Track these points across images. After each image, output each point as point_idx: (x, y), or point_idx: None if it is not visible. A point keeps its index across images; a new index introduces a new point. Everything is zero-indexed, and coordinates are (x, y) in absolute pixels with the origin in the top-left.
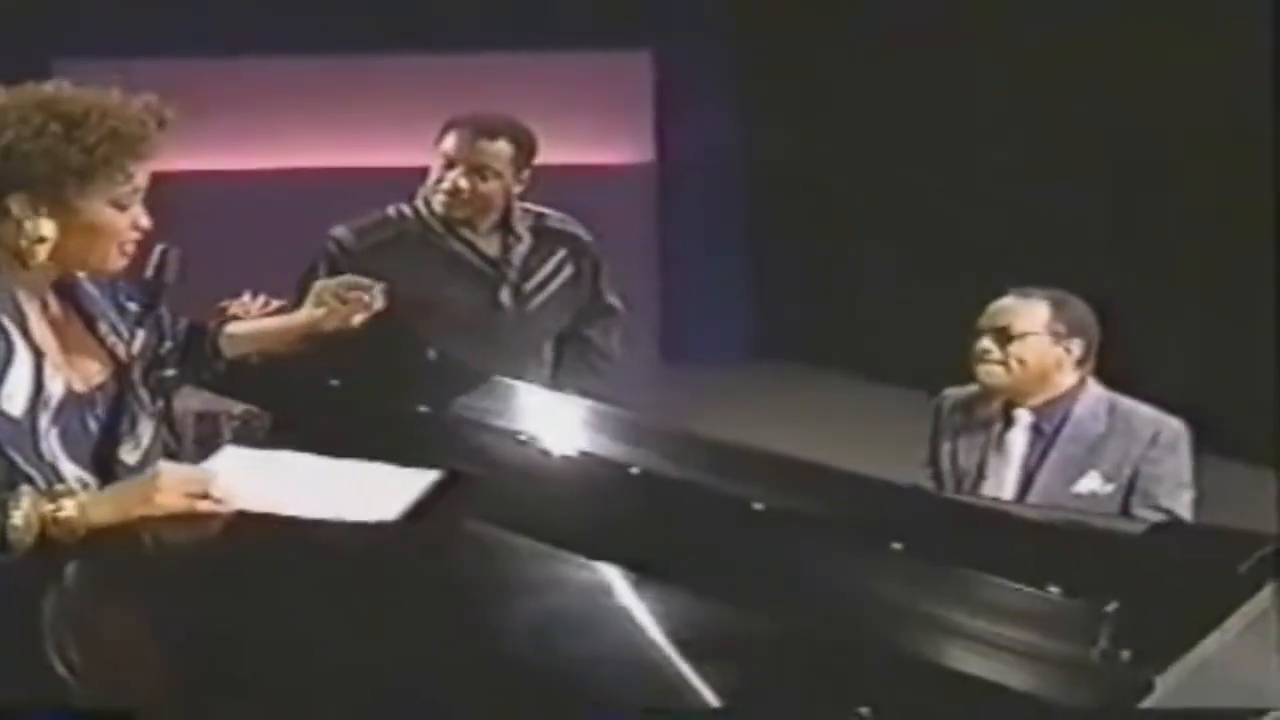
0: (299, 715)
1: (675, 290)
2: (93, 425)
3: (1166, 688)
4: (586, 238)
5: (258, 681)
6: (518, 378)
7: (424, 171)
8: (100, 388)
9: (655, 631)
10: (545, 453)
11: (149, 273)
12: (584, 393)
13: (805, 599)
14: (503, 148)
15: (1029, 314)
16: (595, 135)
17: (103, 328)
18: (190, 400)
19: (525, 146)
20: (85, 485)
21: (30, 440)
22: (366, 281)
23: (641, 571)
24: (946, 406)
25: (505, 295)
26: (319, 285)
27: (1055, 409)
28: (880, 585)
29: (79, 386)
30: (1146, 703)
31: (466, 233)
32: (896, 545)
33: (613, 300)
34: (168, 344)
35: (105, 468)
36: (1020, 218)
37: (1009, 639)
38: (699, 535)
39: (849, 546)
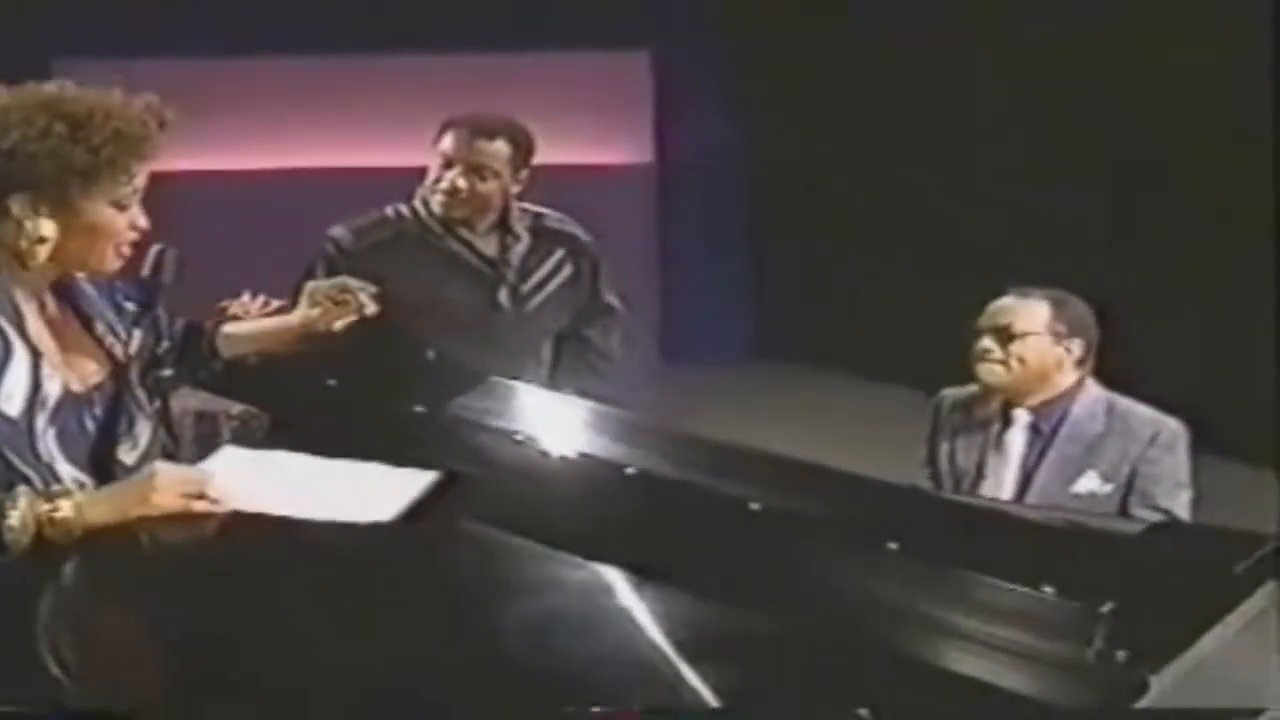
0: (296, 716)
1: (675, 290)
2: (90, 425)
3: (1162, 688)
4: (585, 238)
5: (255, 682)
6: (516, 378)
7: (424, 171)
8: (98, 387)
9: (653, 632)
10: (543, 453)
11: (146, 273)
12: (583, 393)
13: (802, 599)
14: (501, 148)
15: (1030, 313)
16: (595, 135)
17: (100, 328)
18: (189, 400)
19: (523, 146)
20: (82, 485)
21: (27, 440)
22: (358, 284)
23: (639, 572)
24: (945, 406)
25: (503, 295)
26: (311, 286)
27: (1054, 409)
28: (876, 585)
29: (76, 386)
30: (1142, 703)
31: (465, 233)
32: (892, 545)
33: (611, 300)
34: (165, 344)
35: (103, 468)
36: (1020, 218)
37: (1005, 639)
38: (696, 535)
39: (846, 547)
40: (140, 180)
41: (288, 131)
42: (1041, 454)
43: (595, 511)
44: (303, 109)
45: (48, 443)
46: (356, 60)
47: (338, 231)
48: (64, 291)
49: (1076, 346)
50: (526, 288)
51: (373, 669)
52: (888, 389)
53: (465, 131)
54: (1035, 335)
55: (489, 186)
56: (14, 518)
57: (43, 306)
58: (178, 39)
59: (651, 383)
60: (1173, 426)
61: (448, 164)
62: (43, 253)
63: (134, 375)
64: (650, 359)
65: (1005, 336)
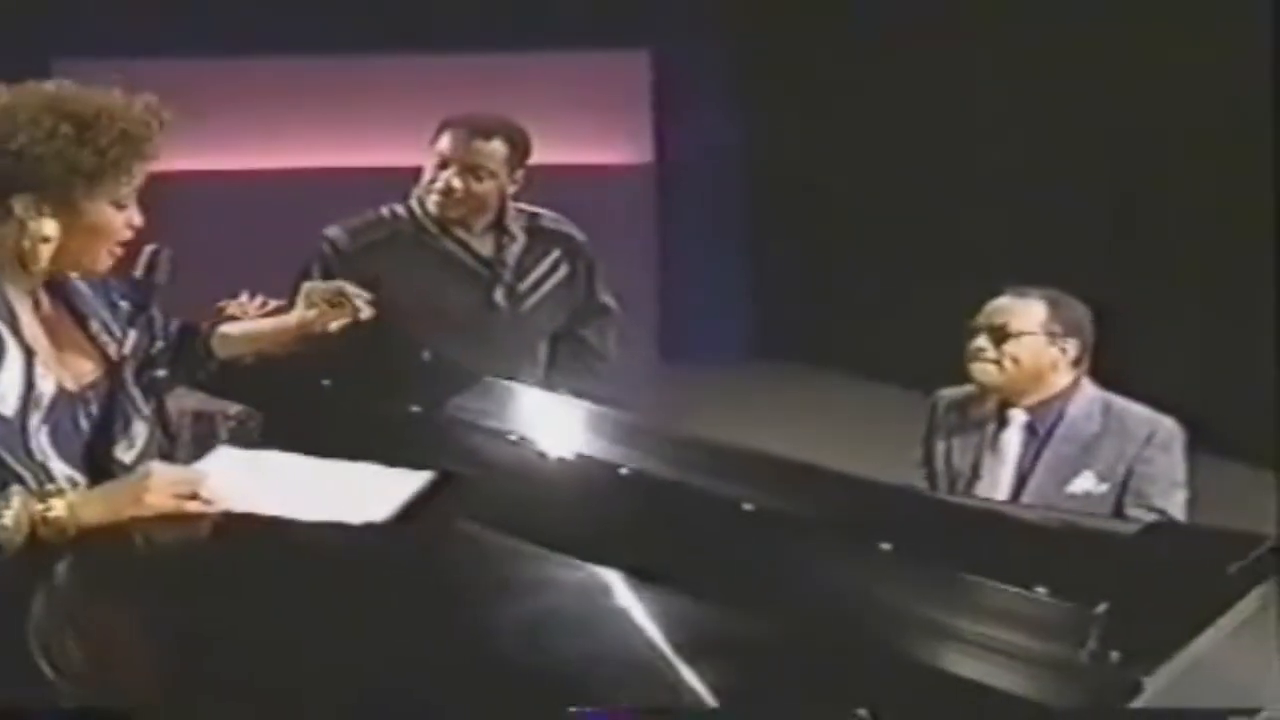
0: (290, 716)
1: (675, 290)
2: (84, 424)
3: (1157, 688)
4: (580, 238)
5: (249, 682)
6: (512, 378)
7: (423, 172)
8: (92, 386)
9: (649, 632)
10: (538, 453)
11: (140, 273)
12: (578, 393)
13: (796, 600)
14: (497, 148)
15: (1025, 313)
16: (594, 135)
17: (94, 326)
18: (186, 400)
19: (519, 146)
20: (75, 484)
21: (20, 439)
22: (354, 289)
23: (634, 572)
24: (941, 406)
25: (499, 295)
26: (308, 287)
27: (1050, 409)
28: (869, 586)
29: (70, 385)
30: (1137, 703)
31: (460, 233)
32: (886, 546)
33: (607, 300)
34: (159, 344)
35: (100, 466)
36: (1020, 218)
37: (998, 640)
38: (691, 536)
39: (839, 547)
40: (139, 179)
41: (286, 131)
42: (1037, 454)
43: (591, 512)
44: (301, 109)
45: (41, 441)
46: (355, 60)
47: (333, 231)
48: (58, 290)
49: (1072, 347)
50: (522, 288)
51: (367, 669)
52: (887, 389)
53: (461, 131)
54: (1030, 335)
55: (485, 186)
56: (7, 517)
57: (37, 305)
58: (177, 39)
59: (651, 383)
60: (1169, 426)
61: (443, 164)
62: (46, 253)
63: (128, 375)
64: (649, 359)
65: (1000, 336)
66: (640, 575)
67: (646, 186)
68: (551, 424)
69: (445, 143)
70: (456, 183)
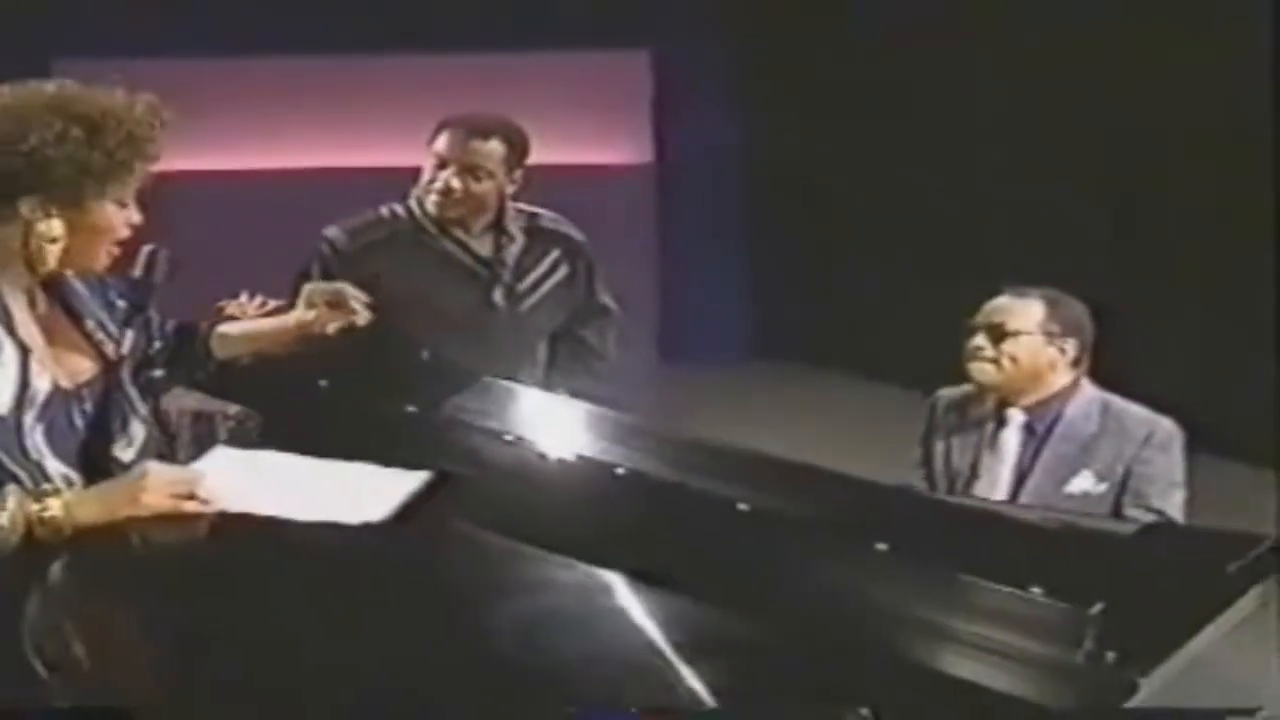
0: (287, 716)
1: (674, 290)
2: (79, 422)
3: (1152, 689)
4: (579, 238)
5: (246, 682)
6: (511, 378)
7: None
8: (88, 385)
9: (648, 632)
10: (537, 454)
11: (138, 273)
12: (578, 393)
13: (794, 600)
14: (495, 148)
15: (1023, 312)
16: (594, 135)
17: (90, 325)
18: (186, 400)
19: (518, 146)
20: (70, 483)
21: (15, 438)
22: (354, 292)
23: (634, 573)
24: (940, 406)
25: (498, 296)
26: (308, 288)
27: (1048, 409)
28: (867, 587)
29: (65, 383)
30: (1134, 702)
31: (459, 233)
32: (882, 547)
33: (606, 300)
34: (156, 344)
35: (98, 465)
36: (1020, 218)
37: (995, 641)
38: (689, 536)
39: (837, 548)
40: (141, 178)
41: (286, 131)
42: (1036, 454)
43: (589, 513)
44: (302, 109)
45: (36, 440)
46: (355, 60)
47: (332, 232)
48: (54, 289)
49: (1071, 346)
50: (521, 288)
51: (363, 670)
52: (887, 389)
53: (460, 131)
54: (1028, 334)
55: (483, 187)
56: (3, 517)
57: (32, 303)
58: (177, 39)
59: (650, 383)
60: (1167, 426)
61: (442, 164)
62: (54, 253)
63: (125, 374)
64: (649, 359)
65: (997, 335)
66: (639, 576)
67: (646, 186)
68: (550, 424)
69: (443, 143)
70: (455, 183)
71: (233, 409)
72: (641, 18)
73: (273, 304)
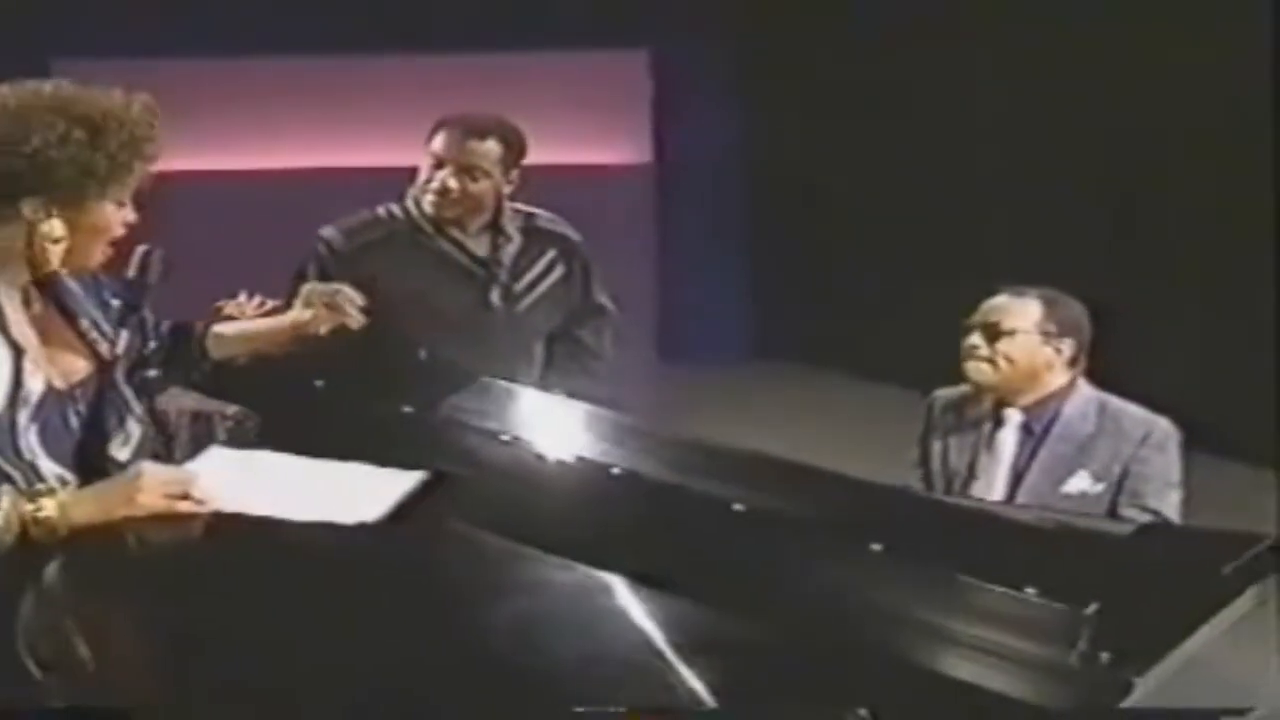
0: (283, 716)
1: (674, 290)
2: (74, 422)
3: (1147, 689)
4: (576, 238)
5: (242, 683)
6: (508, 378)
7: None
8: (81, 384)
9: (646, 632)
10: (534, 454)
11: (132, 273)
12: (574, 393)
13: (792, 600)
14: (492, 148)
15: (1020, 312)
16: (593, 135)
17: (84, 324)
18: (183, 400)
19: (515, 146)
20: (65, 483)
21: (9, 438)
22: (351, 294)
23: (632, 573)
24: (938, 406)
25: (495, 296)
26: (307, 288)
27: (1045, 409)
28: (865, 587)
29: (59, 383)
30: (1129, 702)
31: (456, 233)
32: (877, 547)
33: (603, 300)
34: (151, 344)
35: (94, 465)
36: (1020, 218)
37: (990, 641)
38: (686, 537)
39: (835, 548)
40: (139, 178)
41: (287, 131)
42: (1033, 454)
43: (587, 514)
44: (302, 109)
45: (29, 439)
46: (354, 60)
47: (328, 232)
48: (48, 288)
49: (1067, 346)
50: (518, 288)
51: (359, 670)
52: (886, 389)
53: (456, 131)
54: (1024, 334)
55: (480, 187)
56: None
57: (26, 303)
58: (177, 39)
59: (649, 383)
60: (1164, 427)
61: (439, 164)
62: (56, 254)
63: (119, 374)
64: (648, 359)
65: (994, 334)
66: (637, 576)
67: (646, 186)
68: (548, 425)
69: (440, 143)
70: (452, 183)
71: (231, 409)
72: (641, 18)
73: (271, 304)
